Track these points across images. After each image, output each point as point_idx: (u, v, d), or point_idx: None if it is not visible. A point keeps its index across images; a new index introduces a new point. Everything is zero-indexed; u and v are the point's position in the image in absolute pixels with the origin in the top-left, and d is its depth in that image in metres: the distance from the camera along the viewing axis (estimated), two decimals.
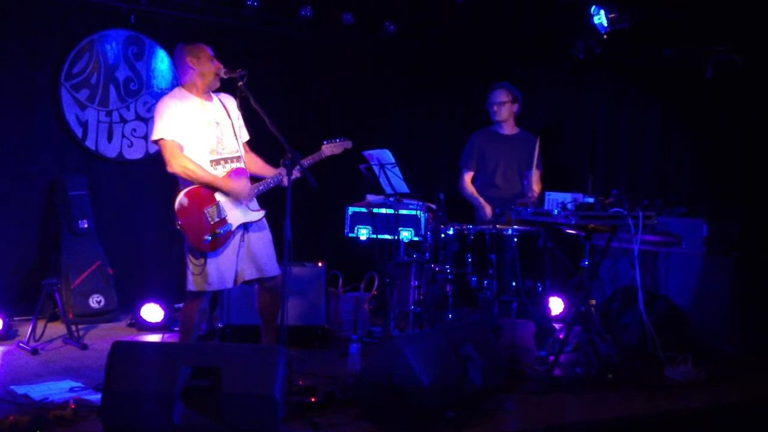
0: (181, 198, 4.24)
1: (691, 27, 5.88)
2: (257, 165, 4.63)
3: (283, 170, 4.34)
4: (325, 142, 4.63)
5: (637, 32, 6.06)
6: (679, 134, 6.52)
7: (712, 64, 5.77)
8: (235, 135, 4.48)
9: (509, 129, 5.97)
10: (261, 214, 4.48)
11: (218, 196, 4.31)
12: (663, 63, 6.23)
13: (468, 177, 6.03)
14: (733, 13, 5.65)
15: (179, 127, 4.27)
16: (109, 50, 6.42)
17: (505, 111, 5.88)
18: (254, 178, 4.53)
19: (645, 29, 6.05)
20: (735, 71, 5.76)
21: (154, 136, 4.31)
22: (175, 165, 4.24)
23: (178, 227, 4.23)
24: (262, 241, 4.48)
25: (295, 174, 4.26)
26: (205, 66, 4.36)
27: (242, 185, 4.36)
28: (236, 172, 4.38)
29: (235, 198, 4.35)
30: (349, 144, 4.73)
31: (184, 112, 4.31)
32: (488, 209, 5.79)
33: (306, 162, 4.45)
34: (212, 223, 4.26)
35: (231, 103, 4.51)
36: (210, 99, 4.47)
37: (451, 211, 5.56)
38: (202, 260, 4.27)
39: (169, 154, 4.25)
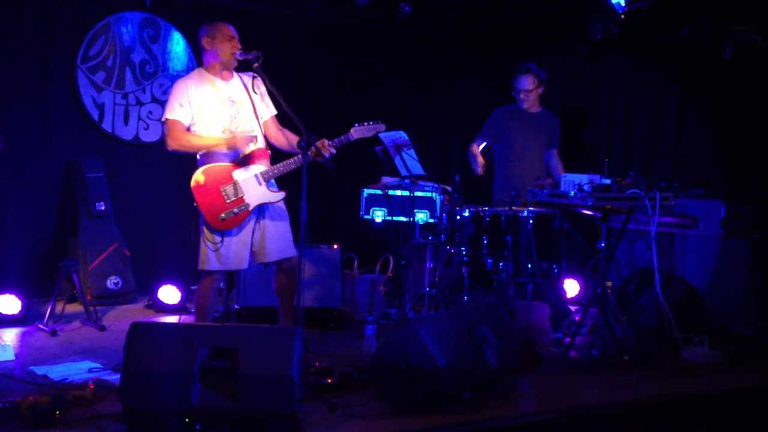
0: (197, 175, 4.26)
1: (710, 6, 5.81)
2: (287, 139, 4.55)
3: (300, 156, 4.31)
4: (355, 125, 4.49)
5: (654, 12, 5.99)
6: (697, 115, 6.47)
7: (731, 44, 5.70)
8: (255, 114, 4.48)
9: (534, 108, 5.89)
10: (280, 195, 4.46)
11: (236, 176, 4.32)
12: (681, 43, 6.16)
13: (477, 145, 5.92)
14: None
15: (185, 108, 4.31)
16: (125, 33, 6.42)
17: (532, 98, 5.77)
18: (284, 155, 4.49)
19: (663, 9, 5.98)
20: (754, 51, 5.69)
21: (162, 117, 4.39)
22: (172, 143, 4.31)
23: (195, 205, 4.26)
24: (278, 225, 4.48)
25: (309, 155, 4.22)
26: (220, 46, 4.36)
27: (241, 137, 4.34)
28: (254, 155, 4.38)
29: (239, 147, 4.32)
30: (382, 127, 4.56)
31: (197, 93, 4.34)
32: (481, 167, 5.73)
33: (334, 143, 4.39)
34: (228, 201, 4.27)
35: (254, 82, 4.50)
36: (229, 78, 4.47)
37: (467, 192, 5.54)
38: (218, 238, 4.29)
39: (167, 133, 4.33)
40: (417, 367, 3.63)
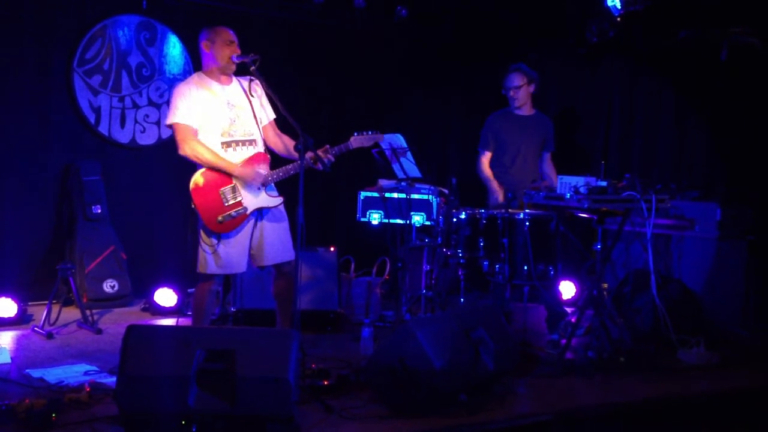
0: (196, 177, 4.26)
1: (707, 9, 5.82)
2: (284, 145, 4.57)
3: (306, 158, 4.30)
4: (354, 134, 4.51)
5: (651, 14, 6.01)
6: (694, 117, 6.48)
7: (728, 47, 5.71)
8: (255, 118, 4.48)
9: (526, 110, 5.91)
10: (278, 200, 4.46)
11: (235, 179, 4.32)
12: (678, 46, 6.17)
13: (485, 159, 5.97)
14: None
15: (192, 111, 4.30)
16: (122, 36, 6.42)
17: (522, 95, 5.81)
18: (283, 160, 4.50)
19: (659, 11, 6.00)
20: (751, 53, 5.71)
21: (168, 121, 4.36)
22: (186, 148, 4.28)
23: (193, 207, 4.26)
24: (277, 228, 4.48)
25: (308, 161, 4.22)
26: (219, 50, 4.36)
27: (251, 170, 4.34)
28: (253, 159, 4.39)
29: (244, 183, 4.35)
30: (380, 137, 4.60)
31: (198, 96, 4.33)
32: (500, 195, 5.76)
33: (333, 152, 4.39)
34: (226, 204, 4.27)
35: (252, 85, 4.50)
36: (228, 82, 4.47)
37: (463, 195, 5.55)
38: (215, 241, 4.29)
39: (180, 138, 4.29)
40: (413, 369, 3.63)
